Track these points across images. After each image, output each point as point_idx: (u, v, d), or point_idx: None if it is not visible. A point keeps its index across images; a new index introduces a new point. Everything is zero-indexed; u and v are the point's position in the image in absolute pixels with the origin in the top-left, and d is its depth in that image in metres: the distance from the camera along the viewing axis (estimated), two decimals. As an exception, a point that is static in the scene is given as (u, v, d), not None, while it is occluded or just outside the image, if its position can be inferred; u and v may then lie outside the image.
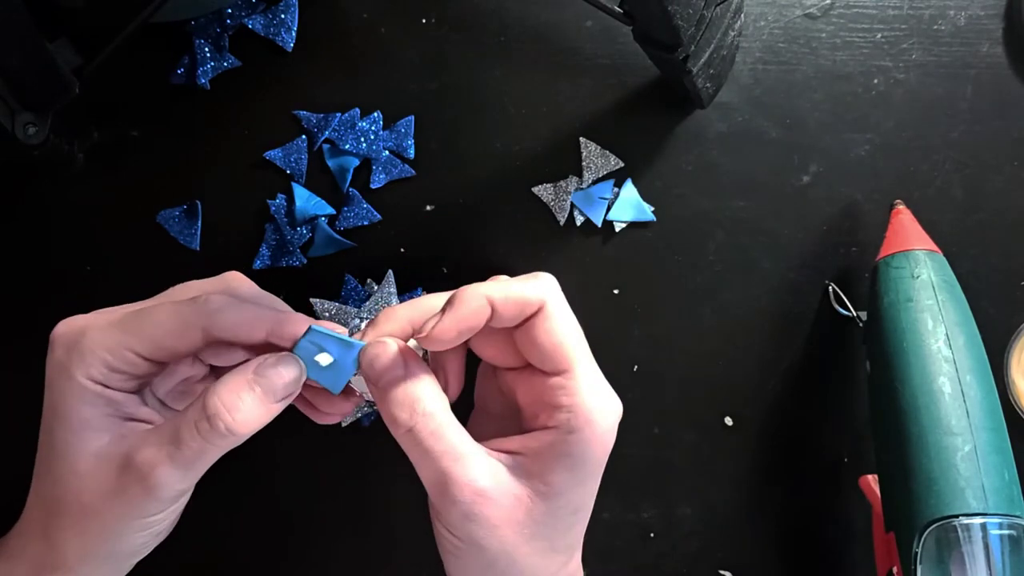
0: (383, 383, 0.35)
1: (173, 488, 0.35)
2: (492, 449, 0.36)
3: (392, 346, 0.36)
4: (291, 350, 0.36)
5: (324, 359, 0.36)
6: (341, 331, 0.37)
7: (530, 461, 0.35)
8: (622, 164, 0.52)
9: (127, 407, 0.36)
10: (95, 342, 0.35)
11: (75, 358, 0.35)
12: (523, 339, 0.37)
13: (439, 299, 0.37)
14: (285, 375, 0.35)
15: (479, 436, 0.36)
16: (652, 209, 0.52)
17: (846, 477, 0.52)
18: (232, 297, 0.37)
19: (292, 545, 0.53)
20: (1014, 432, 0.43)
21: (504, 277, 0.39)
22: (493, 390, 0.41)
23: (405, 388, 0.35)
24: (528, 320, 0.36)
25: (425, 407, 0.35)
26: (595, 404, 0.36)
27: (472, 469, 0.34)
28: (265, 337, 0.36)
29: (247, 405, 0.35)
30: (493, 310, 0.35)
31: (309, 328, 0.36)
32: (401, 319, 0.37)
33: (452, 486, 0.34)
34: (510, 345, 0.37)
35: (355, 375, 0.37)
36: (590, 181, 0.52)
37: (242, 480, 0.51)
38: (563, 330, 0.36)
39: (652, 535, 0.53)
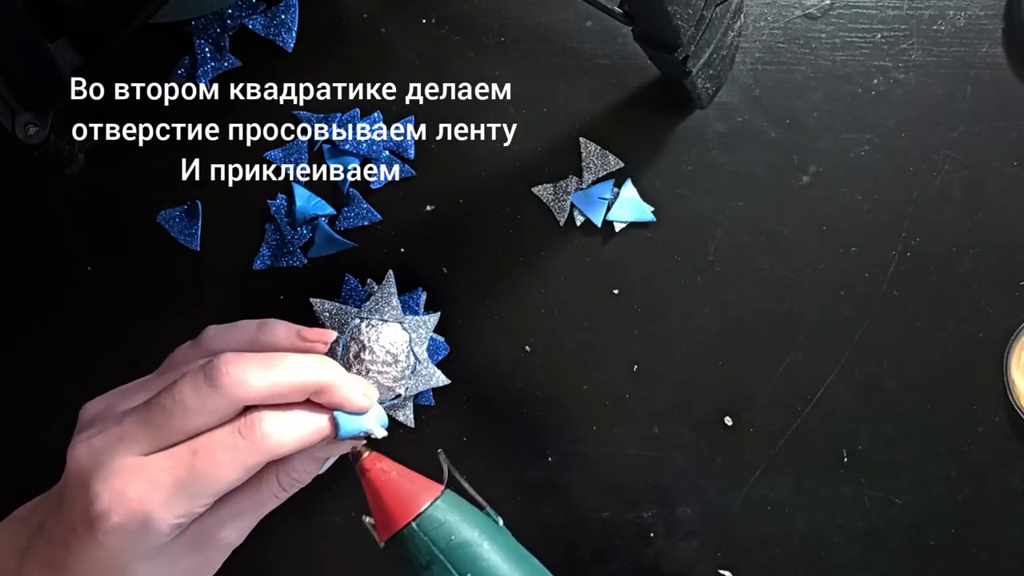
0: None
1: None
2: None
3: None
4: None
5: (370, 420, 0.39)
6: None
7: None
8: (622, 164, 0.52)
9: None
10: (164, 521, 0.34)
11: (146, 537, 0.34)
12: None
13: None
14: (348, 448, 0.40)
15: None
16: (652, 209, 0.52)
17: (846, 476, 0.52)
18: (278, 411, 0.36)
19: (288, 543, 0.53)
20: (1014, 432, 0.43)
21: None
22: None
23: None
24: None
25: None
26: None
27: None
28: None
29: (311, 472, 0.39)
30: None
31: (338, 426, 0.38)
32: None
33: None
34: None
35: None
36: (590, 181, 0.52)
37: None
38: None
39: (652, 535, 0.53)
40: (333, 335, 0.41)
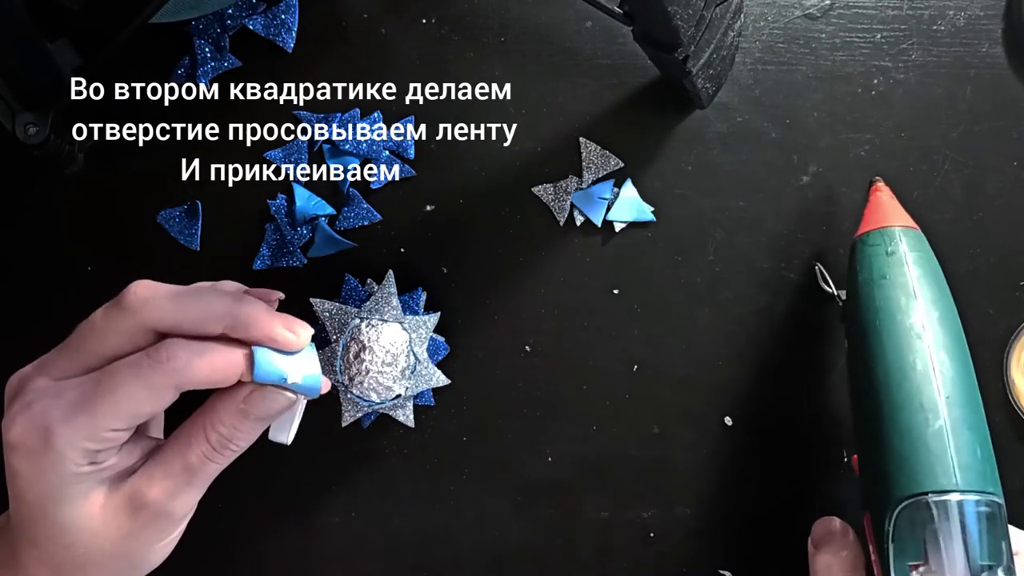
0: None
1: (190, 508, 0.37)
2: None
3: None
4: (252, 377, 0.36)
5: (292, 368, 0.37)
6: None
7: None
8: (622, 164, 0.52)
9: (121, 463, 0.36)
10: (67, 440, 0.33)
11: (51, 459, 0.34)
12: None
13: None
14: (278, 404, 0.37)
15: None
16: (652, 209, 0.52)
17: (847, 476, 0.52)
18: (190, 340, 0.35)
19: (288, 543, 0.53)
20: (1014, 432, 0.43)
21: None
22: None
23: None
24: None
25: None
26: None
27: None
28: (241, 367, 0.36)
29: (244, 432, 0.37)
30: None
31: (254, 355, 0.36)
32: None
33: None
34: None
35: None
36: (590, 181, 0.52)
37: (237, 477, 0.51)
38: None
39: (652, 535, 0.53)
40: (279, 295, 0.41)
